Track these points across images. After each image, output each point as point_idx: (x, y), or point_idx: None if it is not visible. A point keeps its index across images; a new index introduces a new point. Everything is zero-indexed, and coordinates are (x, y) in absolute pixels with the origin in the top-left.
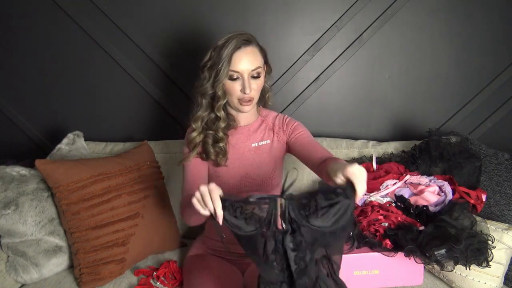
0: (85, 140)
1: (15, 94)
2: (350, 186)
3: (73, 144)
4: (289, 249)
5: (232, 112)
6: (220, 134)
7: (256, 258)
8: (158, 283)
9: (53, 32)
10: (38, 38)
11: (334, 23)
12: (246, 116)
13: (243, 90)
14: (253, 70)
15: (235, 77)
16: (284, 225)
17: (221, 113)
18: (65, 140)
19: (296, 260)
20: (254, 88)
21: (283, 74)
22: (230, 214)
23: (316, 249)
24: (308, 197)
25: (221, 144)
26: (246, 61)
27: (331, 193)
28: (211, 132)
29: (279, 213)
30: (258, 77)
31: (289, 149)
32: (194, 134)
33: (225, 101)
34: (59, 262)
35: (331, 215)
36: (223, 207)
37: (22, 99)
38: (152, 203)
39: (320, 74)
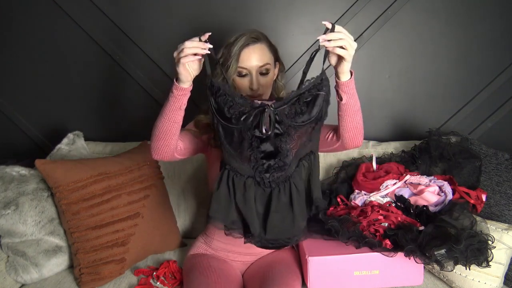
0: (85, 140)
1: (14, 94)
2: (325, 76)
3: (73, 144)
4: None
5: None
6: None
7: (228, 147)
8: (158, 283)
9: (53, 32)
10: (38, 38)
11: (334, 23)
12: None
13: (251, 86)
14: (261, 67)
15: (243, 73)
16: (265, 130)
17: None
18: (65, 140)
19: (274, 163)
20: (263, 84)
21: None
22: (215, 97)
23: (302, 147)
24: (295, 102)
25: None
26: (254, 58)
27: (313, 88)
28: None
29: (265, 119)
30: (266, 73)
31: None
32: (202, 116)
33: None
34: (59, 262)
35: (315, 108)
36: (212, 92)
37: (22, 99)
38: (152, 203)
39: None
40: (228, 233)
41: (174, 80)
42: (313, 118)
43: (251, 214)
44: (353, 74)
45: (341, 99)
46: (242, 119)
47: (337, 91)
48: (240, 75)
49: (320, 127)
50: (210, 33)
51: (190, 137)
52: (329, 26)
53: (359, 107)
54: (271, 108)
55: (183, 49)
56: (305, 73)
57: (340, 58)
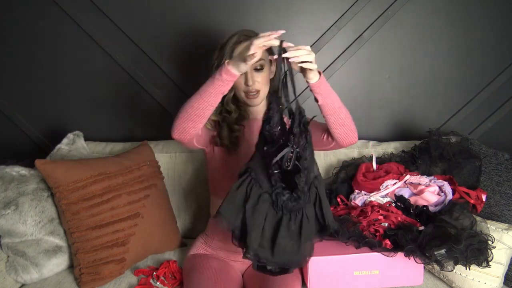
0: (85, 140)
1: (15, 94)
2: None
3: (73, 144)
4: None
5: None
6: (235, 126)
7: (260, 161)
8: (158, 283)
9: (53, 32)
10: (38, 38)
11: (334, 23)
12: (257, 109)
13: (246, 83)
14: (255, 63)
15: None
16: (285, 166)
17: (230, 106)
18: (65, 140)
19: (291, 196)
20: (259, 80)
21: None
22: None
23: (310, 171)
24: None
25: (235, 134)
26: None
27: (302, 116)
28: (228, 116)
29: (285, 158)
30: (261, 69)
31: None
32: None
33: (232, 94)
34: (59, 262)
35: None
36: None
37: (22, 99)
38: (152, 203)
39: None
40: (232, 240)
41: (226, 63)
42: (310, 142)
43: (253, 227)
44: (321, 74)
45: (317, 100)
46: (266, 146)
47: (313, 94)
48: None
49: (313, 151)
50: (283, 31)
51: (206, 128)
52: (276, 43)
53: (340, 104)
54: (294, 149)
55: (251, 45)
56: (288, 101)
57: (304, 69)
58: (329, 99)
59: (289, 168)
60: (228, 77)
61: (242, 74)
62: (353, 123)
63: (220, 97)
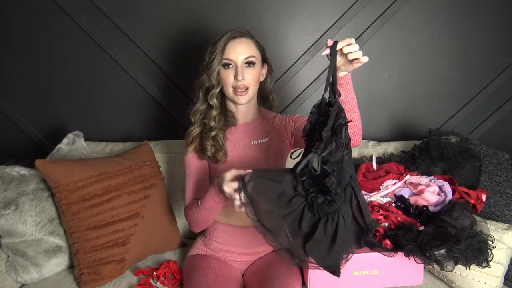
0: (85, 140)
1: (15, 94)
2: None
3: (73, 144)
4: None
5: (232, 107)
6: (212, 123)
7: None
8: (158, 283)
9: (53, 32)
10: (38, 38)
11: (334, 23)
12: (246, 113)
13: (236, 77)
14: (246, 58)
15: (228, 65)
16: (313, 170)
17: (214, 101)
18: (65, 140)
19: (325, 199)
20: (249, 77)
21: (283, 74)
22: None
23: (343, 175)
24: (333, 138)
25: (213, 133)
26: (239, 49)
27: (339, 118)
28: (205, 120)
29: (311, 163)
30: (252, 65)
31: (296, 142)
32: (192, 127)
33: (218, 89)
34: (59, 262)
35: (342, 134)
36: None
37: (22, 99)
38: (152, 203)
39: (320, 74)
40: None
41: (218, 189)
42: (343, 144)
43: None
44: None
45: (339, 95)
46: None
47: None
48: (225, 66)
49: (350, 151)
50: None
51: (205, 180)
52: (330, 43)
53: (356, 102)
54: (319, 154)
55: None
56: (334, 96)
57: (353, 63)
58: (350, 94)
59: (317, 173)
60: (221, 199)
61: (232, 68)
62: (361, 126)
63: (220, 205)
